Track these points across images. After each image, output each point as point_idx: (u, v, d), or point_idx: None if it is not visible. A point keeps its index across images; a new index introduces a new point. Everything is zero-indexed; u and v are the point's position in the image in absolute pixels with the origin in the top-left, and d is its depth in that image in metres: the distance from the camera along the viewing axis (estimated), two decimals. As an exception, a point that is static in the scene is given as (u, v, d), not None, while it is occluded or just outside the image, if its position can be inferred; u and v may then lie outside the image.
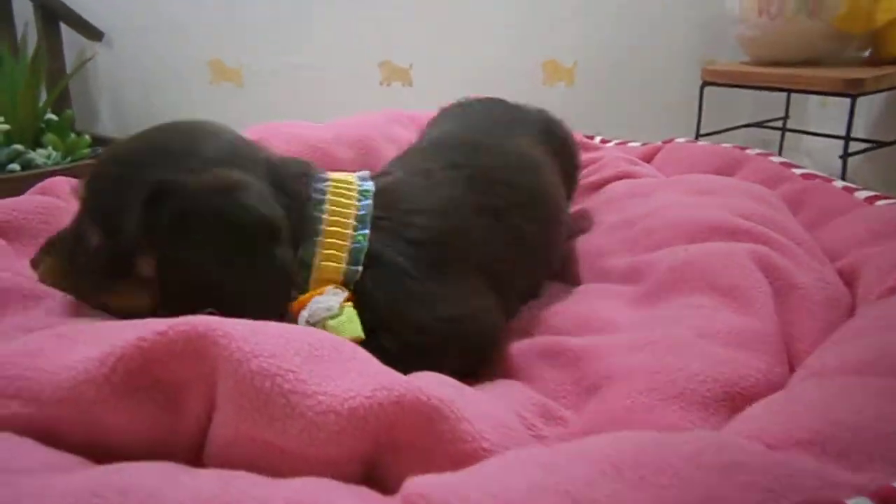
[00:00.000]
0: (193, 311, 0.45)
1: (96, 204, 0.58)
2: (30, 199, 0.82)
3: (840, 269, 0.81)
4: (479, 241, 0.69)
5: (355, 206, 0.63)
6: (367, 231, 0.62)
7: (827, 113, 1.79)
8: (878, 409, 0.44)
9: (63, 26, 1.72)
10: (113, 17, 1.80)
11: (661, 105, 1.89)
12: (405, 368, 0.50)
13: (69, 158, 1.39)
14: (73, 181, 0.96)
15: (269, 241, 0.55)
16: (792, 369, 0.63)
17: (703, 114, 1.70)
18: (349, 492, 0.39)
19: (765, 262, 0.73)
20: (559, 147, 0.93)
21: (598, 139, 1.41)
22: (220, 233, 0.54)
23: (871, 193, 0.97)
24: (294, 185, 0.62)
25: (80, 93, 1.82)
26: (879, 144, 1.41)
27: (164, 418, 0.43)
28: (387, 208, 0.64)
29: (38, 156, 1.33)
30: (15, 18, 1.68)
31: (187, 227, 0.54)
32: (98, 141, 1.52)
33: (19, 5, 1.71)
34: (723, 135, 1.57)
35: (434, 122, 0.98)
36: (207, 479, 0.37)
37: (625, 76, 1.88)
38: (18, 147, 1.30)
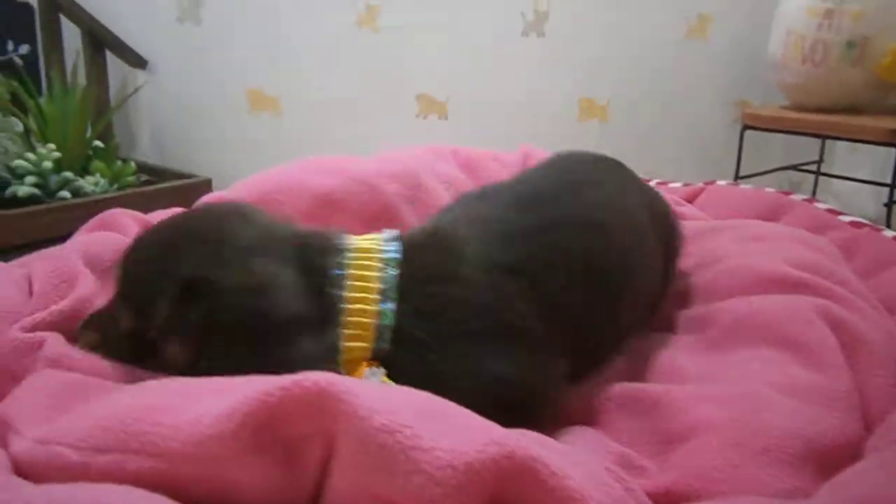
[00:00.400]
0: None
1: (130, 291, 0.61)
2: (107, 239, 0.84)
3: (901, 322, 0.81)
4: (512, 304, 0.64)
5: (377, 277, 0.61)
6: (391, 306, 0.60)
7: (857, 158, 1.81)
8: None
9: (108, 54, 1.76)
10: (156, 45, 1.84)
11: (693, 145, 1.90)
12: None
13: (115, 185, 1.41)
14: (136, 214, 0.98)
15: (298, 336, 0.56)
16: (866, 427, 0.63)
17: (731, 153, 1.71)
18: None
19: (830, 316, 0.72)
20: (661, 220, 0.87)
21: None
22: (250, 331, 0.55)
23: (925, 242, 0.97)
24: (320, 263, 0.61)
25: (121, 119, 1.85)
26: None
27: (285, 473, 0.43)
28: (411, 277, 0.62)
29: (87, 183, 1.35)
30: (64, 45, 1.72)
31: (219, 325, 0.55)
32: (142, 168, 1.54)
33: (66, 32, 1.75)
34: (762, 177, 1.58)
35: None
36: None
37: (658, 115, 1.90)
38: (68, 174, 1.32)
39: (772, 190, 1.26)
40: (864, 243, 1.03)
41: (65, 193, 1.29)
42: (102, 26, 1.72)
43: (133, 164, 1.48)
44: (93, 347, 0.63)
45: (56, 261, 0.79)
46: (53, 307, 0.69)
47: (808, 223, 1.11)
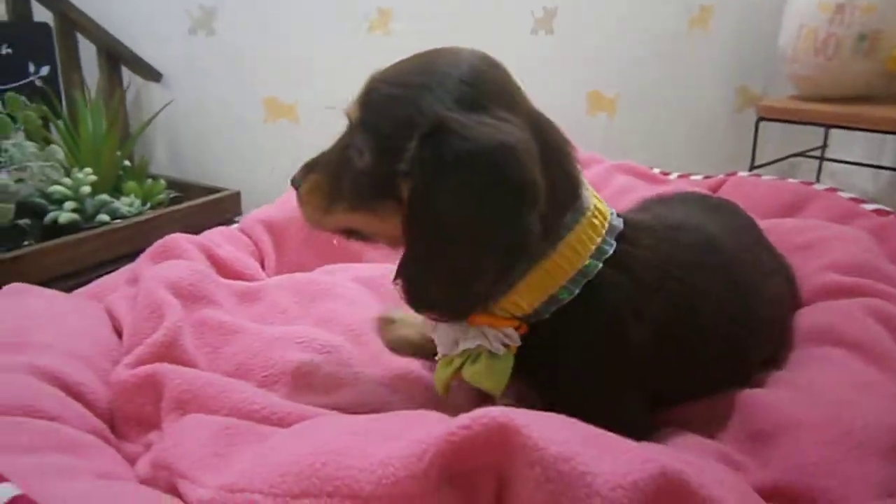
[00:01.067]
0: (428, 247, 0.53)
1: (374, 123, 0.60)
2: (185, 267, 0.87)
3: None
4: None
5: (601, 237, 0.63)
6: (598, 265, 0.62)
7: (854, 139, 1.87)
8: None
9: (123, 69, 1.75)
10: (170, 58, 1.83)
11: (698, 134, 1.95)
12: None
13: (148, 204, 1.41)
14: (192, 238, 1.00)
15: (528, 207, 0.55)
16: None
17: (737, 140, 1.77)
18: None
19: (881, 314, 0.78)
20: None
21: (656, 171, 1.45)
22: (491, 185, 0.54)
23: (948, 227, 1.02)
24: (557, 157, 0.62)
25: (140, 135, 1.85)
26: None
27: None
28: (625, 253, 0.64)
29: (122, 204, 1.36)
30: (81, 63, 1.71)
31: (462, 170, 0.54)
32: (173, 185, 1.55)
33: (82, 50, 1.74)
34: (776, 166, 1.64)
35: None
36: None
37: (663, 106, 1.94)
38: (105, 197, 1.33)
39: (794, 181, 1.30)
40: (892, 231, 1.07)
41: (103, 216, 1.30)
42: (118, 41, 1.71)
43: (163, 182, 1.49)
44: (316, 192, 0.65)
45: (142, 294, 0.81)
46: (148, 339, 0.72)
47: (834, 213, 1.14)
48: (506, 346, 0.62)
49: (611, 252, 0.63)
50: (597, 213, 0.64)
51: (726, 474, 0.58)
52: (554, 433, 0.48)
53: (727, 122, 1.94)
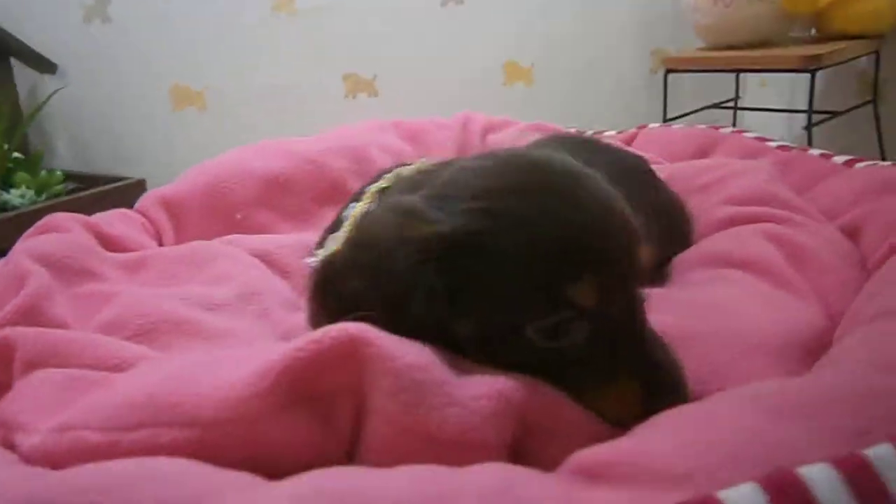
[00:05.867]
0: None
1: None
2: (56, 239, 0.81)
3: (842, 227, 0.88)
4: None
5: None
6: None
7: (767, 91, 1.91)
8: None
9: (13, 61, 1.66)
10: (66, 49, 1.74)
11: (617, 97, 1.96)
12: None
13: (44, 196, 1.34)
14: (78, 216, 0.94)
15: None
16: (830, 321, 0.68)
17: (655, 101, 1.78)
18: (519, 470, 0.41)
19: (773, 235, 0.79)
20: None
21: (572, 130, 1.45)
22: None
23: (848, 157, 1.05)
24: None
25: (34, 128, 1.75)
26: (832, 115, 1.52)
27: (321, 428, 0.44)
28: None
29: (13, 196, 1.28)
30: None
31: None
32: (69, 176, 1.47)
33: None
34: (689, 118, 1.65)
35: None
36: (398, 477, 0.38)
37: (580, 71, 1.95)
38: (-8, 189, 1.25)
39: (703, 126, 1.32)
40: (796, 163, 1.10)
41: (-9, 209, 1.22)
42: (7, 33, 1.61)
43: (60, 173, 1.41)
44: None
45: (8, 267, 0.76)
46: (8, 306, 0.67)
47: (741, 153, 1.18)
48: None
49: None
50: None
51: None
52: (407, 346, 0.45)
53: (644, 82, 1.95)
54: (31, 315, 0.66)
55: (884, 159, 1.50)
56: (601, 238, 0.47)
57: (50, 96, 1.61)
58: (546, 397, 0.47)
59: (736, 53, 1.42)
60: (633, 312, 0.49)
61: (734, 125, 1.87)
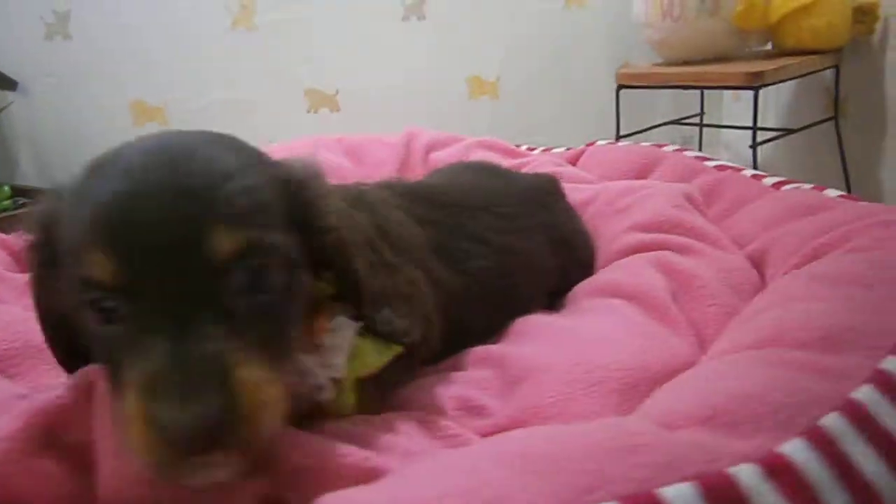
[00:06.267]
0: None
1: None
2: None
3: (749, 253, 0.87)
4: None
5: None
6: None
7: (739, 106, 1.87)
8: (767, 378, 0.47)
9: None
10: (26, 66, 1.77)
11: (582, 112, 1.94)
12: None
13: (-12, 211, 1.35)
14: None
15: None
16: (703, 350, 0.66)
17: (624, 116, 1.75)
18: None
19: (663, 264, 0.80)
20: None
21: (524, 147, 1.44)
22: None
23: (778, 179, 1.02)
24: None
25: (-3, 144, 1.79)
26: (786, 132, 1.48)
27: (73, 479, 0.43)
28: None
29: (-46, 211, 1.29)
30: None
31: None
32: (18, 191, 1.48)
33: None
34: (643, 134, 1.62)
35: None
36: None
37: (545, 87, 1.93)
38: (-69, 204, 1.26)
39: (647, 144, 1.30)
40: (728, 184, 1.09)
41: (-71, 225, 1.24)
42: (-38, 50, 1.65)
43: (7, 188, 1.43)
44: None
45: None
46: None
47: (679, 172, 1.17)
48: None
49: None
50: None
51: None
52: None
53: (610, 97, 1.93)
54: None
55: (846, 177, 1.46)
56: (125, 211, 0.42)
57: (2, 108, 1.63)
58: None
59: (684, 69, 1.39)
60: (171, 305, 0.41)
61: (700, 141, 1.84)
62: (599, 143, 1.37)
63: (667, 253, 0.82)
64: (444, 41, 1.87)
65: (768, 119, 1.73)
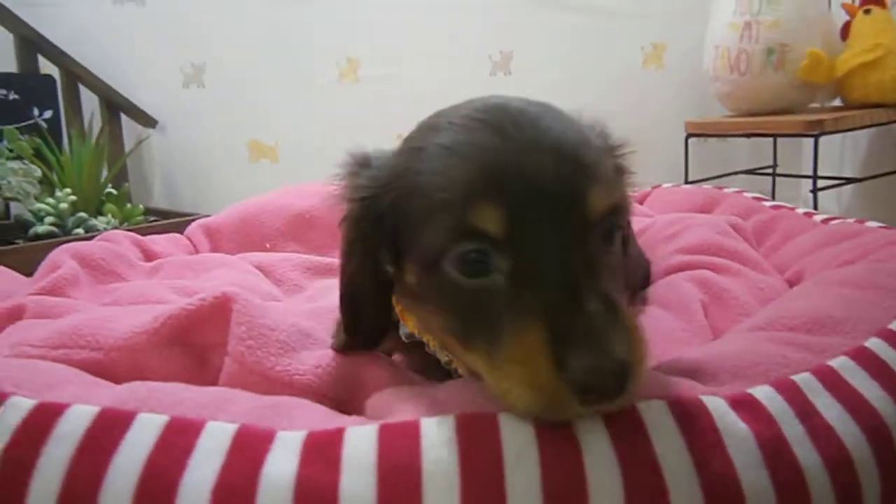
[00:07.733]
0: None
1: None
2: (99, 244, 1.01)
3: (789, 278, 0.92)
4: None
5: None
6: None
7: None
8: (750, 345, 0.55)
9: (123, 116, 2.00)
10: (165, 108, 2.07)
11: (657, 166, 2.01)
12: None
13: (125, 224, 1.59)
14: (131, 234, 1.14)
15: None
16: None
17: (695, 165, 1.82)
18: (315, 407, 0.51)
19: (700, 280, 0.87)
20: None
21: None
22: None
23: (827, 216, 1.07)
24: None
25: (137, 171, 2.09)
26: (847, 181, 1.52)
27: (194, 370, 0.57)
28: None
29: (99, 222, 1.53)
30: (83, 109, 1.96)
31: None
32: (150, 211, 1.73)
33: (86, 98, 2.00)
34: (713, 182, 1.69)
35: None
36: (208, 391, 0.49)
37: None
38: (83, 215, 1.51)
39: (708, 187, 1.37)
40: (780, 220, 1.14)
41: (79, 230, 1.47)
42: (116, 93, 1.96)
43: (141, 207, 1.67)
44: None
45: (49, 259, 0.95)
46: (39, 283, 0.85)
47: (737, 210, 1.22)
48: None
49: None
50: None
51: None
52: (274, 313, 0.58)
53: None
54: (53, 293, 0.84)
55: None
56: (513, 166, 0.43)
57: (142, 140, 1.91)
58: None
59: (746, 119, 1.46)
60: (561, 256, 0.43)
61: (773, 191, 1.87)
62: (665, 185, 1.46)
63: (705, 272, 0.88)
64: (526, 94, 2.01)
65: (845, 168, 1.76)
